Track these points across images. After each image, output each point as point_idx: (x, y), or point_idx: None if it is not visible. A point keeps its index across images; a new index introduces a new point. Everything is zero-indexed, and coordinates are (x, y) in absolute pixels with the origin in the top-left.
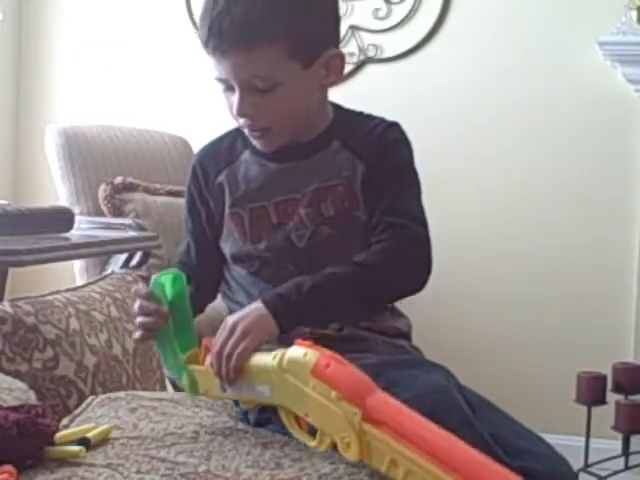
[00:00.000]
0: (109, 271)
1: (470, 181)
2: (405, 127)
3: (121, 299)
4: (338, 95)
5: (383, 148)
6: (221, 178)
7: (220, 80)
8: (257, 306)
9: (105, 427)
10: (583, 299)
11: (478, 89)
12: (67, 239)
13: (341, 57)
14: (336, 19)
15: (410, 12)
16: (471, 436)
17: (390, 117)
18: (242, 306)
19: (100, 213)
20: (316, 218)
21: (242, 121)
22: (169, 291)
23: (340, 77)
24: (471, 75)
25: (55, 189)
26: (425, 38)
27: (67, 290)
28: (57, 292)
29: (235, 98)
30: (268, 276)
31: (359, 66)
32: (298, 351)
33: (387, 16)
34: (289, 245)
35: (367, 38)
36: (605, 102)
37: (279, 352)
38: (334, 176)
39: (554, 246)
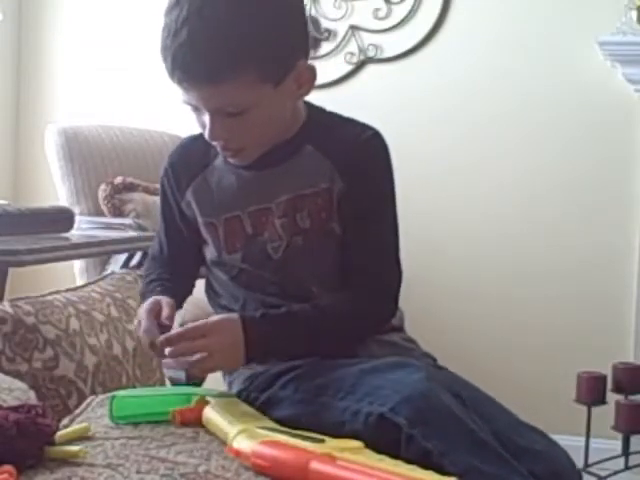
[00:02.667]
0: (109, 271)
1: (470, 181)
2: (405, 127)
3: (121, 299)
4: (338, 95)
5: (365, 164)
6: (194, 185)
7: (188, 104)
8: (238, 331)
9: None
10: (583, 299)
11: (478, 89)
12: (67, 239)
13: (311, 69)
14: (305, 28)
15: (410, 12)
16: (462, 434)
17: (390, 117)
18: (229, 310)
19: (100, 213)
20: (291, 229)
21: (214, 143)
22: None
23: (312, 87)
24: (471, 75)
25: (55, 189)
26: (425, 38)
27: (67, 290)
28: (57, 292)
29: (206, 121)
30: (248, 283)
31: (359, 66)
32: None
33: (387, 16)
34: (265, 257)
35: (367, 38)
36: (605, 102)
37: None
38: (309, 184)
39: (554, 246)
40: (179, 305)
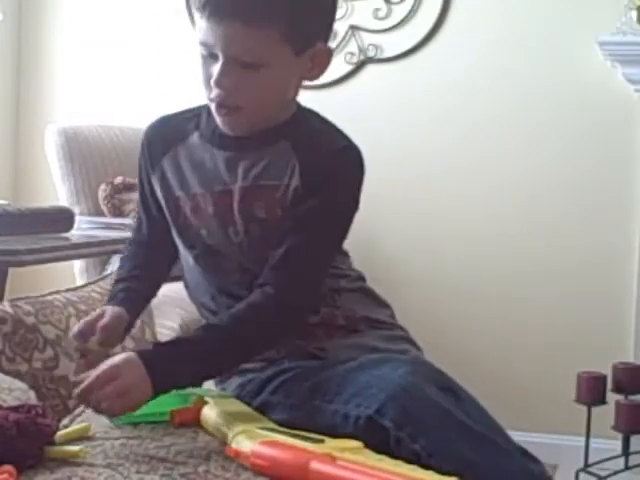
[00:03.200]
0: (109, 271)
1: (470, 181)
2: (405, 127)
3: None
4: (338, 95)
5: (328, 174)
6: (166, 159)
7: (205, 45)
8: (137, 365)
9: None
10: (583, 299)
11: (478, 89)
12: (67, 239)
13: (329, 53)
14: (333, 15)
15: (410, 12)
16: (450, 430)
17: (390, 117)
18: (205, 307)
19: (100, 213)
20: (248, 216)
21: (215, 93)
22: None
23: (323, 72)
24: (471, 75)
25: (55, 189)
26: (425, 38)
27: (67, 290)
28: (57, 292)
29: (216, 68)
30: (212, 268)
31: (359, 66)
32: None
33: (387, 16)
34: (226, 239)
35: (367, 38)
36: (605, 102)
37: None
38: (271, 177)
39: (554, 246)
40: (141, 308)
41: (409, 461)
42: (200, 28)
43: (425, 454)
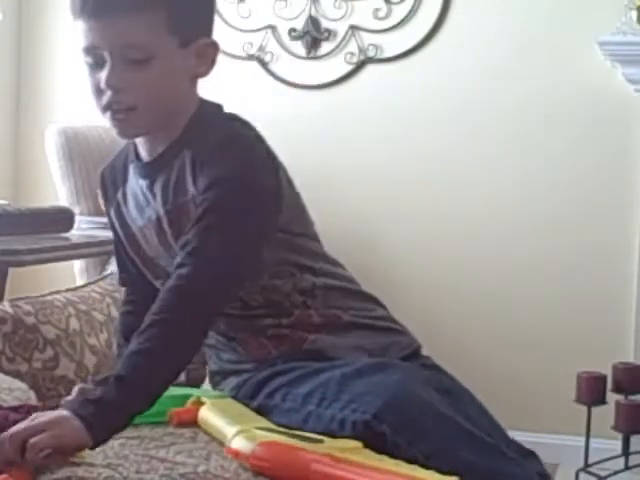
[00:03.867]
0: (109, 271)
1: (470, 181)
2: (405, 127)
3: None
4: (338, 95)
5: (211, 170)
6: (118, 198)
7: (89, 50)
8: (67, 416)
9: None
10: (583, 299)
11: (478, 89)
12: (67, 239)
13: (215, 46)
14: (213, 9)
15: (410, 12)
16: (447, 431)
17: (390, 117)
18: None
19: (100, 213)
20: (164, 246)
21: (107, 97)
22: None
23: (211, 68)
24: (471, 75)
25: (55, 189)
26: (425, 38)
27: (67, 290)
28: (57, 292)
29: (104, 72)
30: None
31: (359, 66)
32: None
33: (387, 16)
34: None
35: (367, 38)
36: (605, 102)
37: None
38: (185, 192)
39: (554, 246)
40: None
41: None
42: (82, 33)
43: (423, 457)
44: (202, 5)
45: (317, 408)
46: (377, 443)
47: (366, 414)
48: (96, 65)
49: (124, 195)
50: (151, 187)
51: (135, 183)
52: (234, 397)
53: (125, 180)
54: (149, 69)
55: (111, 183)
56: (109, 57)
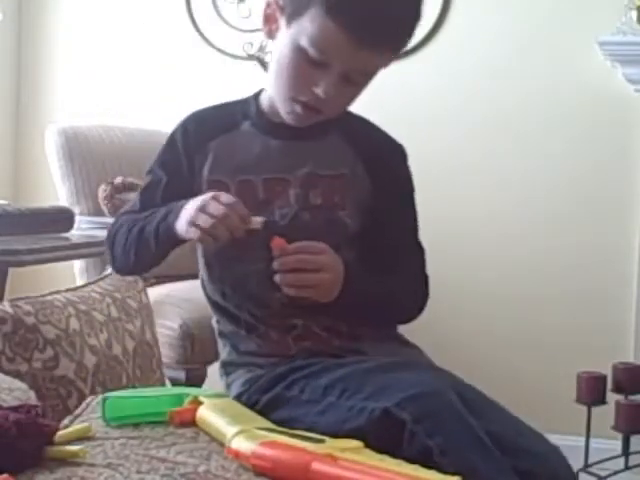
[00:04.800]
0: (109, 271)
1: (470, 181)
2: (405, 127)
3: (121, 299)
4: None
5: (397, 166)
6: (215, 142)
7: (321, 51)
8: (341, 269)
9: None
10: (583, 299)
11: (478, 89)
12: (67, 239)
13: None
14: None
15: None
16: (465, 434)
17: (390, 117)
18: (216, 305)
19: (100, 213)
20: (302, 202)
21: (312, 97)
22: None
23: None
24: (471, 75)
25: (55, 189)
26: (425, 38)
27: (67, 290)
28: (57, 292)
29: (325, 77)
30: (237, 252)
31: None
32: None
33: None
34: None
35: None
36: (605, 102)
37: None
38: (329, 167)
39: (554, 246)
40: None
41: (412, 461)
42: (324, 33)
43: (438, 451)
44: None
45: (338, 400)
46: (392, 431)
47: (388, 402)
48: (313, 62)
49: (222, 143)
50: (287, 149)
51: (254, 138)
52: (246, 391)
53: (229, 129)
54: (354, 89)
55: (206, 126)
56: (338, 71)
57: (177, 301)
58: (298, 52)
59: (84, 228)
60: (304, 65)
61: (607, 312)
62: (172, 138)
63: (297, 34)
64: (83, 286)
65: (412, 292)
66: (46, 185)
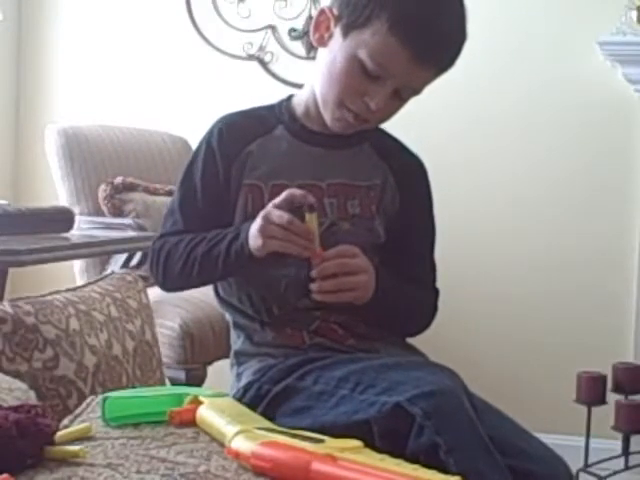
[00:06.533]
0: (109, 271)
1: (469, 180)
2: (405, 127)
3: (121, 299)
4: None
5: (424, 182)
6: (251, 147)
7: (378, 64)
8: (373, 271)
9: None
10: (583, 299)
11: (478, 89)
12: (67, 239)
13: None
14: None
15: None
16: (473, 436)
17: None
18: (241, 312)
19: (100, 213)
20: (339, 211)
21: (362, 108)
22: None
23: None
24: (471, 75)
25: (55, 189)
26: None
27: (67, 290)
28: (57, 292)
29: (377, 90)
30: (269, 260)
31: None
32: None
33: None
34: None
35: None
36: (605, 102)
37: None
38: (364, 178)
39: (554, 246)
40: None
41: (417, 456)
42: (385, 48)
43: (445, 448)
44: None
45: (351, 393)
46: (401, 424)
47: (400, 396)
48: (369, 74)
49: (259, 147)
50: (321, 157)
51: (288, 143)
52: (257, 380)
53: (264, 133)
54: (399, 104)
55: (244, 129)
56: (391, 86)
57: (177, 301)
58: (355, 62)
59: (84, 228)
60: (359, 76)
61: (607, 312)
62: (208, 146)
63: (355, 45)
64: (83, 286)
65: (426, 305)
66: (46, 185)
